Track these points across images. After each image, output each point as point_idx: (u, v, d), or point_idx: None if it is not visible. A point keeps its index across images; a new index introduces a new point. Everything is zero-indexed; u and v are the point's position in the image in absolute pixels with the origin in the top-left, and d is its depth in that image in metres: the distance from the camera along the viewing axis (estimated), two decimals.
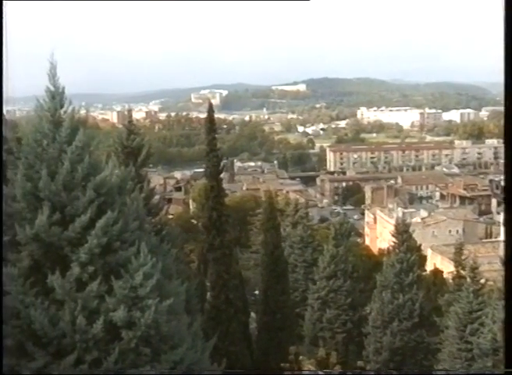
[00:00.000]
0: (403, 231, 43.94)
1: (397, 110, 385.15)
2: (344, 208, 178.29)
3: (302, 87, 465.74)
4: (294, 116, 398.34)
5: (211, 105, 40.55)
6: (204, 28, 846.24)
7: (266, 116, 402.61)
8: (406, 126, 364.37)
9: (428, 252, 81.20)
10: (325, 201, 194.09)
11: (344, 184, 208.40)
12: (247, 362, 36.79)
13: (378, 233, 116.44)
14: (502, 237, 36.97)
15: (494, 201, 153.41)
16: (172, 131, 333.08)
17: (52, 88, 15.33)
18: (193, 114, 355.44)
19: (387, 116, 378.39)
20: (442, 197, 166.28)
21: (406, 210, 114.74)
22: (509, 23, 9.06)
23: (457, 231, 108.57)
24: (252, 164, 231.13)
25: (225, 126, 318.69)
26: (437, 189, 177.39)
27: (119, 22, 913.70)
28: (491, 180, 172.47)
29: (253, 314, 50.33)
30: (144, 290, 14.21)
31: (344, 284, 47.55)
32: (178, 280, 17.05)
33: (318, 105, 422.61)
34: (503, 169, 10.07)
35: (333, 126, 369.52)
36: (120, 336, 14.11)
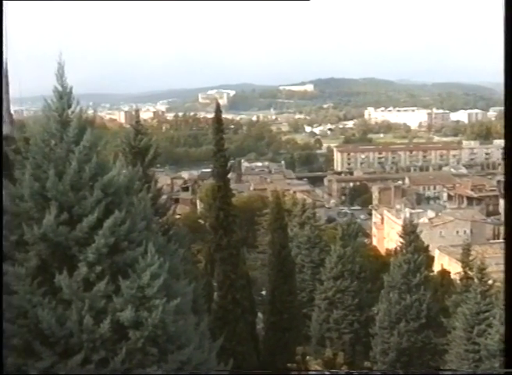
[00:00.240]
0: (410, 232, 43.91)
1: (405, 110, 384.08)
2: (351, 208, 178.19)
3: (309, 88, 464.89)
4: (302, 116, 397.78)
5: (218, 105, 40.63)
6: (212, 29, 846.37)
7: (273, 116, 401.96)
8: (413, 127, 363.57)
9: (436, 253, 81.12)
10: (333, 201, 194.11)
11: (351, 185, 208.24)
12: (254, 362, 36.80)
13: (386, 233, 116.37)
14: None
15: (502, 202, 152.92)
16: (179, 131, 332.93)
17: (60, 88, 15.36)
18: (201, 114, 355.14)
19: (395, 116, 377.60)
20: (450, 197, 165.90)
21: (413, 211, 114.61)
22: (509, 23, 9.04)
23: (465, 232, 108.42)
24: (259, 164, 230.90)
25: (232, 127, 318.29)
26: (444, 189, 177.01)
27: (127, 22, 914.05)
28: (499, 181, 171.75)
29: (260, 314, 50.33)
30: (152, 290, 14.22)
31: (351, 285, 47.47)
32: (185, 280, 17.07)
33: (325, 106, 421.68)
34: (504, 170, 10.07)
35: (341, 126, 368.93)
36: (127, 336, 14.12)
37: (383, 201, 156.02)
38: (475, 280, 39.09)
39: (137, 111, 35.46)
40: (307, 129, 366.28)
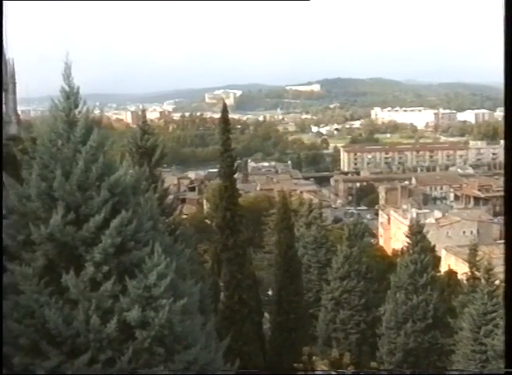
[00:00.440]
0: (417, 232, 43.85)
1: (411, 110, 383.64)
2: (358, 208, 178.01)
3: (316, 88, 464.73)
4: (308, 116, 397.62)
5: (225, 106, 40.62)
6: (218, 29, 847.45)
7: (280, 116, 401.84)
8: (420, 127, 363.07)
9: (442, 253, 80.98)
10: (339, 201, 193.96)
11: (358, 185, 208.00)
12: (261, 362, 36.80)
13: (392, 233, 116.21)
14: None
15: None
16: (186, 131, 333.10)
17: (67, 88, 15.39)
18: (208, 114, 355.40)
19: (401, 116, 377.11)
20: (457, 198, 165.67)
21: (420, 211, 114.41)
22: (509, 23, 9.03)
23: (472, 232, 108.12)
24: (266, 164, 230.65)
25: (239, 127, 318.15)
26: (451, 190, 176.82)
27: (134, 22, 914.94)
28: None
29: (266, 314, 50.31)
30: (158, 290, 14.24)
31: (358, 285, 47.42)
32: (192, 280, 17.10)
33: (332, 106, 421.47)
34: (503, 170, 10.05)
35: (347, 126, 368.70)
36: (134, 335, 14.14)
37: (390, 202, 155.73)
38: (482, 281, 38.97)
39: (144, 111, 35.49)
40: (314, 129, 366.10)
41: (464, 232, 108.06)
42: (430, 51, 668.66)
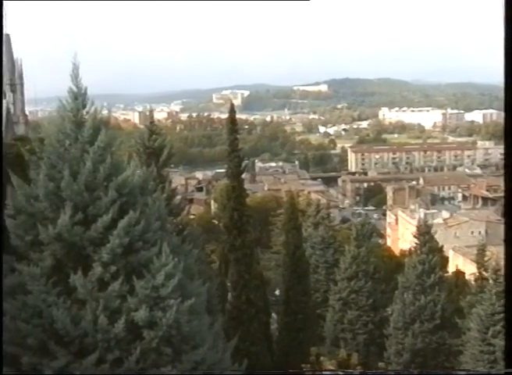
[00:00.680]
0: (424, 232, 43.80)
1: (419, 111, 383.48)
2: (366, 208, 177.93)
3: (324, 88, 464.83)
4: (316, 117, 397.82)
5: (232, 106, 40.62)
6: (226, 29, 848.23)
7: (288, 117, 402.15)
8: (428, 127, 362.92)
9: (450, 254, 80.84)
10: (347, 201, 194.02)
11: (366, 185, 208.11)
12: (268, 362, 36.79)
13: (400, 234, 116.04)
14: None
15: None
16: (193, 132, 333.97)
17: (75, 89, 15.40)
18: (215, 114, 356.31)
19: (409, 116, 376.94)
20: (465, 198, 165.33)
21: (428, 211, 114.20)
22: (509, 23, 9.00)
23: (480, 232, 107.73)
24: (273, 164, 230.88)
25: (246, 127, 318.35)
26: (459, 190, 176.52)
27: (141, 23, 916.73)
28: None
29: (274, 315, 50.29)
30: (166, 290, 14.23)
31: (366, 285, 47.34)
32: (199, 280, 17.10)
33: (339, 106, 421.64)
34: (503, 170, 10.02)
35: (355, 126, 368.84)
36: (142, 336, 14.14)
37: (397, 202, 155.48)
38: (490, 281, 38.88)
39: (151, 111, 35.38)
40: (321, 129, 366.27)
41: (472, 232, 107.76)
42: (437, 51, 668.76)
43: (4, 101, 79.43)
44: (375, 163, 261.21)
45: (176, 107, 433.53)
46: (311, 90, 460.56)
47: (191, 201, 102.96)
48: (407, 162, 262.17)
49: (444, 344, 41.49)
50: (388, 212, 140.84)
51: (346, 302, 47.72)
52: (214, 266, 41.72)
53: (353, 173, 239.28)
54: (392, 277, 49.02)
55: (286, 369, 38.77)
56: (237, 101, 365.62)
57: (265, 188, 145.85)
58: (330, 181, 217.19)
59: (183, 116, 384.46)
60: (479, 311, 36.98)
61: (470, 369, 36.19)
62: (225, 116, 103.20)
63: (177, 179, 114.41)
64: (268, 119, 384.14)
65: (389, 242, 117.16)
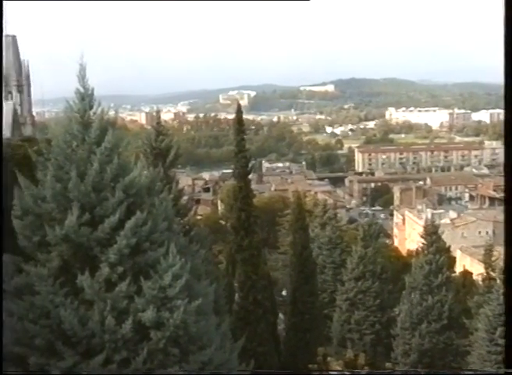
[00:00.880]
0: (432, 232, 43.76)
1: (426, 111, 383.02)
2: (373, 209, 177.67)
3: (330, 88, 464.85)
4: (322, 117, 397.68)
5: (239, 106, 40.58)
6: (232, 30, 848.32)
7: (294, 117, 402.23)
8: (435, 127, 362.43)
9: (458, 254, 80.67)
10: (354, 202, 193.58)
11: (373, 185, 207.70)
12: (275, 363, 36.74)
13: (407, 234, 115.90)
14: None
15: None
16: (200, 132, 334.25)
17: (82, 90, 15.42)
18: (222, 115, 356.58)
19: (416, 116, 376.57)
20: (472, 198, 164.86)
21: (435, 211, 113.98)
22: (509, 23, 8.97)
23: (487, 232, 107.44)
24: (280, 165, 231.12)
25: (253, 127, 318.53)
26: (466, 190, 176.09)
27: (147, 24, 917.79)
28: None
29: (281, 315, 50.27)
30: (173, 290, 14.24)
31: (373, 286, 47.34)
32: (206, 280, 17.10)
33: (346, 106, 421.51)
34: (503, 170, 9.99)
35: (362, 126, 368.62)
36: (149, 336, 14.15)
37: (405, 202, 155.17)
38: (498, 281, 38.82)
39: (158, 112, 35.33)
40: (328, 129, 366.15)
41: (479, 232, 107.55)
42: (444, 51, 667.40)
43: (11, 103, 79.79)
44: (382, 163, 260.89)
45: (182, 108, 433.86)
46: (317, 90, 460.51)
47: (198, 201, 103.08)
48: (414, 162, 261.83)
49: (451, 345, 41.44)
50: (395, 213, 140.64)
51: (353, 303, 47.74)
52: (221, 267, 41.70)
53: (360, 174, 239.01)
54: (400, 277, 48.98)
55: (293, 369, 38.79)
56: (244, 102, 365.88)
57: (272, 189, 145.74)
58: (337, 181, 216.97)
59: (190, 117, 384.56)
60: (487, 311, 36.91)
61: (477, 369, 36.12)
62: (231, 116, 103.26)
63: (184, 179, 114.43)
64: (275, 119, 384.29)
65: (396, 242, 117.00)
